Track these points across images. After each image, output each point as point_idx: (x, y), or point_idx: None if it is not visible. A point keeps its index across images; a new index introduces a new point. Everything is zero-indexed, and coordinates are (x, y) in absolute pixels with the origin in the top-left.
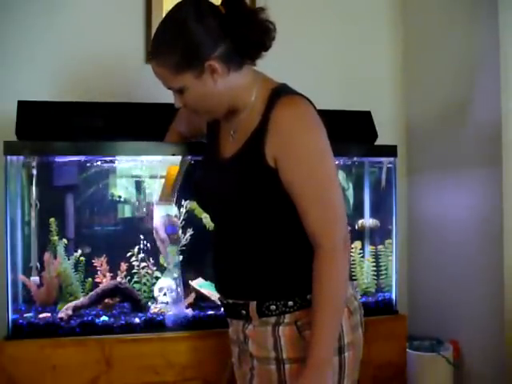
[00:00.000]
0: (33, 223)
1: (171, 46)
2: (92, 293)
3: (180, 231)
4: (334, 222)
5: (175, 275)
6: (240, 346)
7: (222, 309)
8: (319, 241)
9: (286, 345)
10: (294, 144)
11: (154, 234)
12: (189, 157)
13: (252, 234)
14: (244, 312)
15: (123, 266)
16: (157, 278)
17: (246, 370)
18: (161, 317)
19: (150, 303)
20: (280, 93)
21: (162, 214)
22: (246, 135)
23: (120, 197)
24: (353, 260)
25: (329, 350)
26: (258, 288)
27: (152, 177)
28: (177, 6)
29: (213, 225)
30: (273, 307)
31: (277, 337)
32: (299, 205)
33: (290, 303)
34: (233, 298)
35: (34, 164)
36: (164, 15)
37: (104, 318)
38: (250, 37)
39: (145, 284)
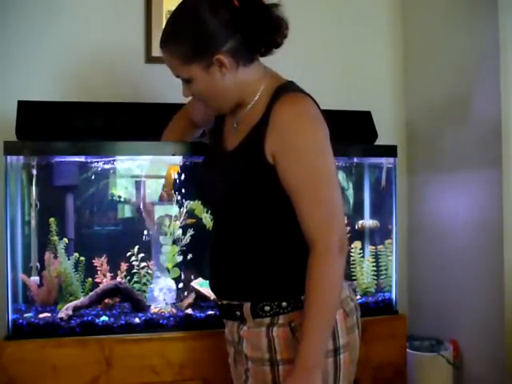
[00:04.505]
0: (33, 223)
1: (182, 35)
2: (92, 293)
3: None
4: (330, 222)
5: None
6: (235, 347)
7: (218, 310)
8: (314, 241)
9: (280, 346)
10: (292, 140)
11: (141, 207)
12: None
13: (247, 232)
14: (238, 313)
15: (123, 266)
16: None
17: (241, 370)
18: (161, 316)
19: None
20: (284, 90)
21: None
22: (247, 130)
23: (120, 197)
24: (353, 260)
25: (319, 353)
26: (252, 289)
27: (152, 177)
28: None
29: (212, 224)
30: (267, 308)
31: (271, 338)
32: (295, 203)
33: (284, 304)
34: (227, 298)
35: (34, 164)
36: (166, 12)
37: (104, 317)
38: (262, 33)
39: (145, 284)
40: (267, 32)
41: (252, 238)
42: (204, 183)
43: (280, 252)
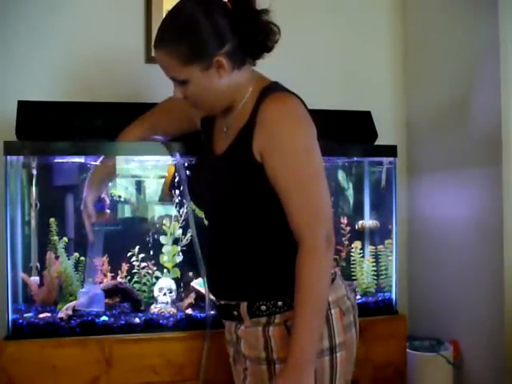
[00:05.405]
0: (33, 223)
1: (182, 36)
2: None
3: (108, 211)
4: (318, 218)
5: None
6: (234, 347)
7: (216, 310)
8: (302, 237)
9: (276, 345)
10: (280, 140)
11: (82, 207)
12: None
13: (240, 233)
14: (236, 313)
15: (124, 265)
16: (157, 278)
17: (240, 370)
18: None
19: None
20: (270, 90)
21: (161, 214)
22: (235, 132)
23: (120, 197)
24: (353, 260)
25: (310, 350)
26: (249, 288)
27: (152, 177)
28: None
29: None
30: (263, 308)
31: (267, 337)
32: (284, 201)
33: (280, 303)
34: (225, 299)
35: (34, 164)
36: (166, 12)
37: (104, 317)
38: (256, 37)
39: (145, 284)
40: (261, 35)
41: (245, 238)
42: (195, 186)
43: (274, 251)
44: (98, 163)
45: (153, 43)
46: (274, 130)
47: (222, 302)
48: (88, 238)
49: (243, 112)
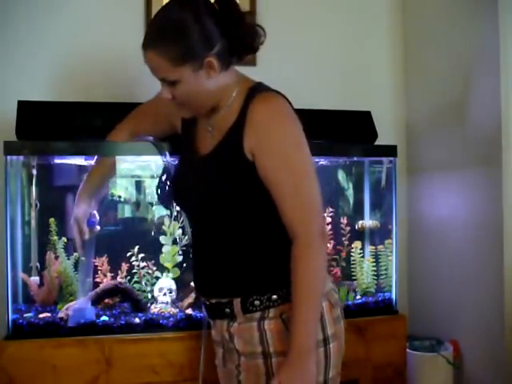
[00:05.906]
0: (33, 223)
1: (175, 36)
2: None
3: (98, 227)
4: (310, 211)
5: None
6: (225, 346)
7: (205, 311)
8: (296, 233)
9: (273, 339)
10: (269, 136)
11: (72, 223)
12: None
13: (232, 229)
14: (228, 310)
15: (124, 265)
16: (157, 278)
17: (232, 368)
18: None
19: (150, 303)
20: (256, 90)
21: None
22: (222, 132)
23: (120, 197)
24: (353, 260)
25: (312, 339)
26: (241, 284)
27: (152, 177)
28: None
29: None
30: (257, 302)
31: (262, 331)
32: (276, 198)
33: (274, 297)
34: (216, 297)
35: (34, 164)
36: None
37: (104, 317)
38: (244, 38)
39: (145, 284)
40: (248, 37)
41: (237, 234)
42: (179, 187)
43: (266, 245)
44: (85, 177)
45: (141, 43)
46: (264, 130)
47: (213, 301)
48: (78, 254)
49: (230, 112)
